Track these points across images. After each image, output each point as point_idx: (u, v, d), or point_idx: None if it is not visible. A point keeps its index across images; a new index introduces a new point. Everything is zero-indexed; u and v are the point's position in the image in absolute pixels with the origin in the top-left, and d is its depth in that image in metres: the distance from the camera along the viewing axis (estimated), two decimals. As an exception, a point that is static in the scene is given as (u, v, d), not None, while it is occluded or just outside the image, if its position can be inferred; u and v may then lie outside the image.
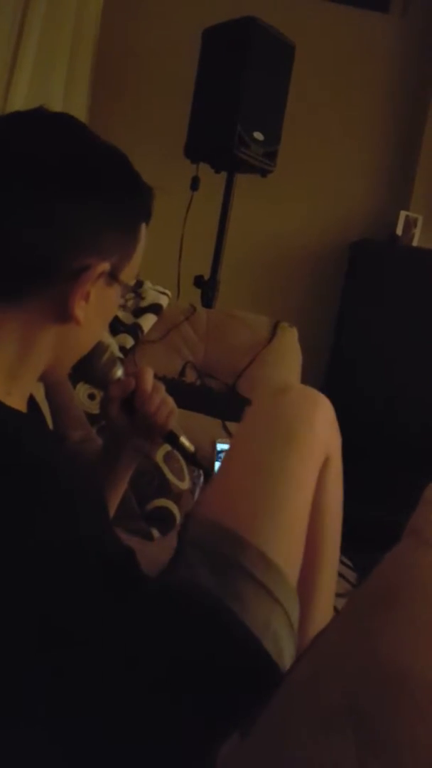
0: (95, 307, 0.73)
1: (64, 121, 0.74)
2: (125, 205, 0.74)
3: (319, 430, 0.90)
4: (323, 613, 0.94)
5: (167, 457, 1.54)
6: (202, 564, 0.73)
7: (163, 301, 2.15)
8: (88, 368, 0.90)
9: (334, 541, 0.97)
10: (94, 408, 1.66)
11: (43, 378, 0.78)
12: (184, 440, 0.98)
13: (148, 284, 2.18)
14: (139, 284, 2.16)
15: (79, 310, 0.70)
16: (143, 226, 0.78)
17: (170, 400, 0.94)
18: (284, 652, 0.72)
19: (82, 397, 1.67)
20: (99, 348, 0.90)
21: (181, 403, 0.98)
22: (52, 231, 0.68)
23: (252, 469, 0.83)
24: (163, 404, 0.93)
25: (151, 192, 0.78)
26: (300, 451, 0.85)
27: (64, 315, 0.70)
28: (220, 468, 0.90)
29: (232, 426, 1.86)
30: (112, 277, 0.73)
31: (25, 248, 0.68)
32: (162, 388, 0.94)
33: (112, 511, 0.99)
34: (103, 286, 0.73)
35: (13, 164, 0.69)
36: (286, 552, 0.78)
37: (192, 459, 1.01)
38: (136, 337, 2.04)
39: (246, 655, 0.67)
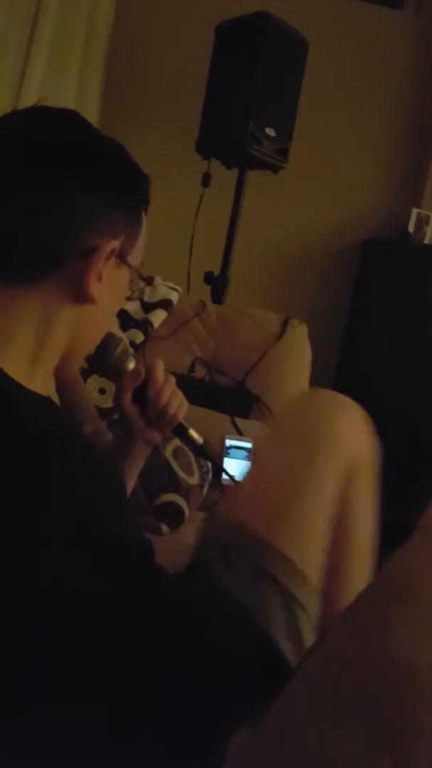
0: (107, 288, 0.75)
1: (67, 113, 0.77)
2: (127, 188, 0.77)
3: (345, 438, 0.87)
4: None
5: (176, 453, 1.54)
6: (221, 562, 0.73)
7: (173, 297, 2.15)
8: (102, 360, 0.92)
9: (362, 553, 0.93)
10: (105, 402, 1.67)
11: (56, 370, 0.78)
12: (192, 432, 0.99)
13: (158, 280, 2.18)
14: (150, 280, 2.16)
15: (94, 289, 0.72)
16: (143, 212, 0.80)
17: (181, 393, 0.96)
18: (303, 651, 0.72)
19: (93, 391, 1.68)
20: (113, 340, 0.92)
21: (191, 399, 0.99)
22: (62, 213, 0.71)
23: (273, 477, 0.83)
24: (174, 396, 0.94)
25: (147, 179, 0.80)
26: (322, 460, 0.84)
27: (79, 295, 0.72)
28: (249, 473, 0.89)
29: (241, 422, 1.86)
30: (121, 258, 0.76)
31: (37, 231, 0.70)
32: (173, 380, 0.95)
33: None
34: (113, 267, 0.75)
35: (20, 153, 0.71)
36: (305, 560, 0.77)
37: (200, 451, 1.02)
38: (146, 332, 2.04)
39: (259, 651, 0.67)
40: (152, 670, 0.60)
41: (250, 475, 0.88)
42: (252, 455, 0.94)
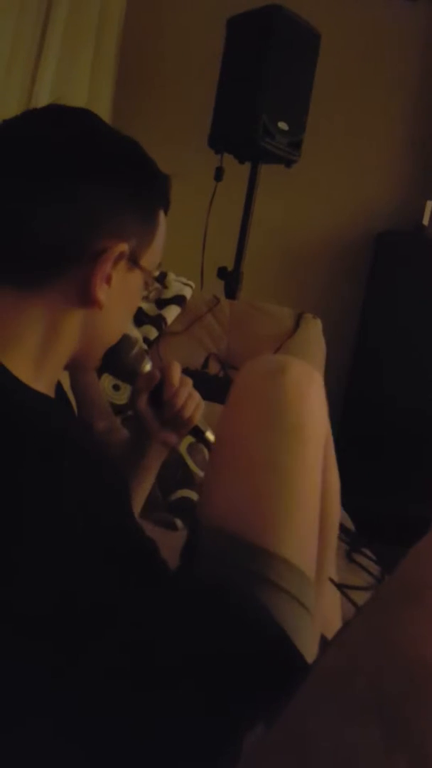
0: (118, 293, 0.73)
1: (80, 111, 0.75)
2: (141, 188, 0.75)
3: (318, 411, 0.83)
4: (327, 591, 0.92)
5: (191, 449, 1.54)
6: (225, 579, 0.72)
7: (187, 293, 2.15)
8: (118, 361, 0.91)
9: (336, 521, 0.92)
10: (119, 399, 1.67)
11: (70, 367, 0.78)
12: (209, 435, 0.99)
13: (171, 275, 2.18)
14: (163, 275, 2.16)
15: (101, 293, 0.71)
16: (161, 213, 0.78)
17: (197, 395, 0.95)
18: (307, 649, 0.71)
19: (107, 387, 1.68)
20: (128, 341, 0.92)
21: (205, 395, 0.99)
22: (70, 214, 0.69)
23: (257, 465, 0.78)
24: (190, 398, 0.93)
25: (167, 179, 0.78)
26: (304, 438, 0.79)
27: (86, 299, 0.71)
28: (218, 461, 0.83)
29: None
30: (133, 261, 0.74)
31: (44, 233, 0.69)
32: (189, 382, 0.94)
33: (140, 505, 1.00)
34: (124, 270, 0.73)
35: (29, 151, 0.70)
36: (303, 547, 0.76)
37: None
38: (159, 328, 2.04)
39: (273, 648, 0.67)
40: (159, 668, 0.60)
41: (225, 463, 0.81)
42: (221, 437, 0.85)
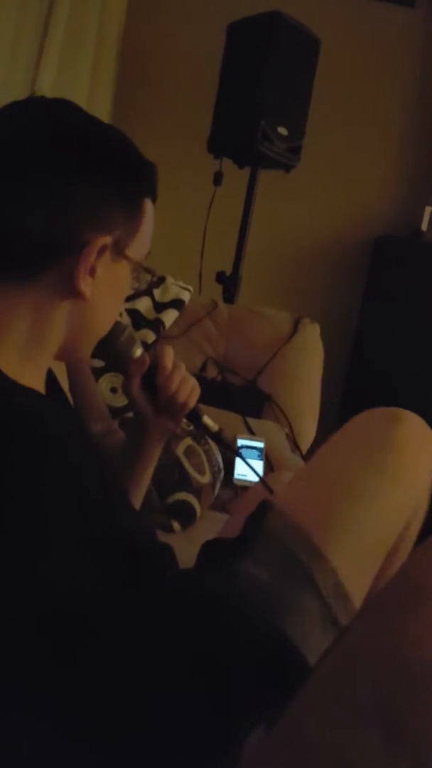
0: (105, 284, 0.73)
1: (60, 104, 0.77)
2: (125, 179, 0.75)
3: (422, 470, 0.86)
4: None
5: (188, 452, 1.54)
6: (272, 563, 0.72)
7: (185, 297, 2.15)
8: (108, 348, 0.90)
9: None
10: (116, 401, 1.67)
11: (61, 358, 0.78)
12: (207, 419, 0.97)
13: (170, 279, 2.18)
14: (161, 279, 2.16)
15: (85, 285, 0.71)
16: (148, 202, 0.78)
17: (193, 379, 0.94)
18: None
19: (105, 390, 1.68)
20: (117, 327, 0.91)
21: (202, 399, 0.98)
22: (52, 209, 0.70)
23: (342, 482, 0.81)
24: (184, 382, 0.92)
25: (153, 168, 0.78)
26: (398, 484, 0.82)
27: (71, 291, 0.71)
28: (311, 465, 0.88)
29: (252, 422, 1.85)
30: (117, 252, 0.74)
31: (29, 228, 0.70)
32: (182, 366, 0.93)
33: (139, 498, 0.99)
34: (109, 261, 0.74)
35: (10, 148, 0.71)
36: (357, 572, 0.76)
37: (216, 438, 0.99)
38: (157, 332, 2.04)
39: (272, 651, 0.67)
40: (149, 667, 0.59)
41: (315, 469, 0.87)
42: (324, 454, 0.92)
